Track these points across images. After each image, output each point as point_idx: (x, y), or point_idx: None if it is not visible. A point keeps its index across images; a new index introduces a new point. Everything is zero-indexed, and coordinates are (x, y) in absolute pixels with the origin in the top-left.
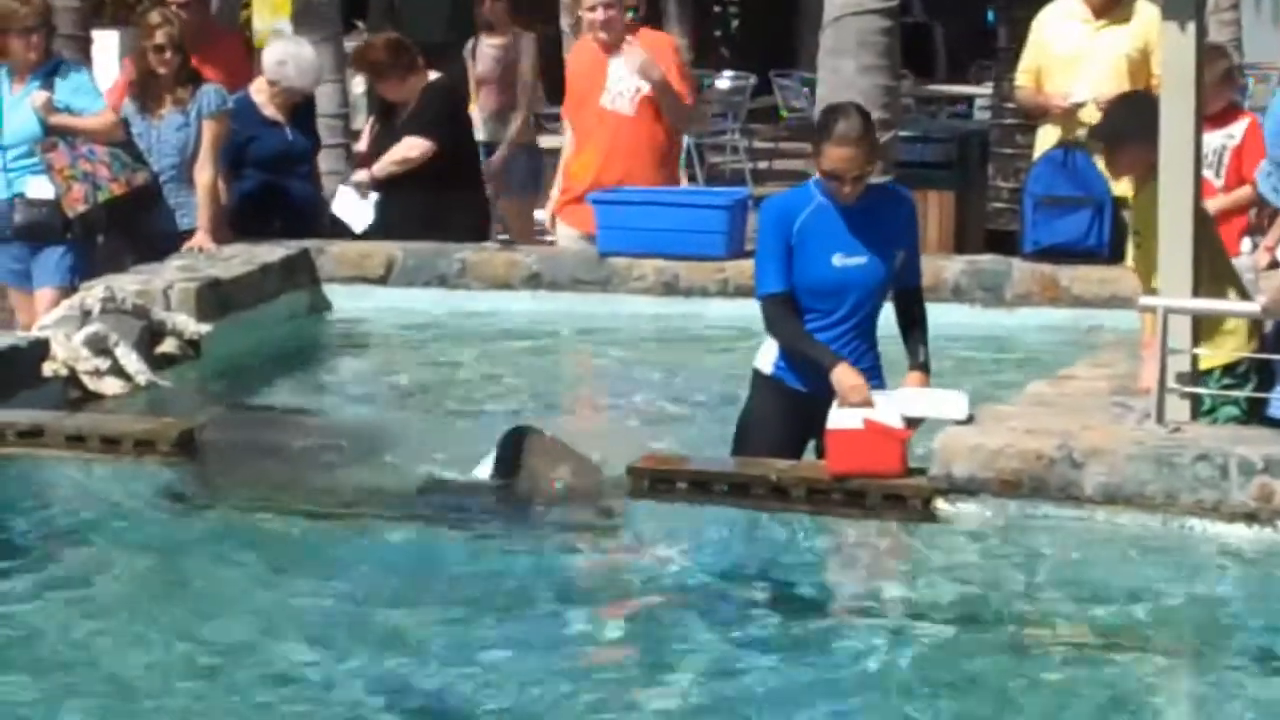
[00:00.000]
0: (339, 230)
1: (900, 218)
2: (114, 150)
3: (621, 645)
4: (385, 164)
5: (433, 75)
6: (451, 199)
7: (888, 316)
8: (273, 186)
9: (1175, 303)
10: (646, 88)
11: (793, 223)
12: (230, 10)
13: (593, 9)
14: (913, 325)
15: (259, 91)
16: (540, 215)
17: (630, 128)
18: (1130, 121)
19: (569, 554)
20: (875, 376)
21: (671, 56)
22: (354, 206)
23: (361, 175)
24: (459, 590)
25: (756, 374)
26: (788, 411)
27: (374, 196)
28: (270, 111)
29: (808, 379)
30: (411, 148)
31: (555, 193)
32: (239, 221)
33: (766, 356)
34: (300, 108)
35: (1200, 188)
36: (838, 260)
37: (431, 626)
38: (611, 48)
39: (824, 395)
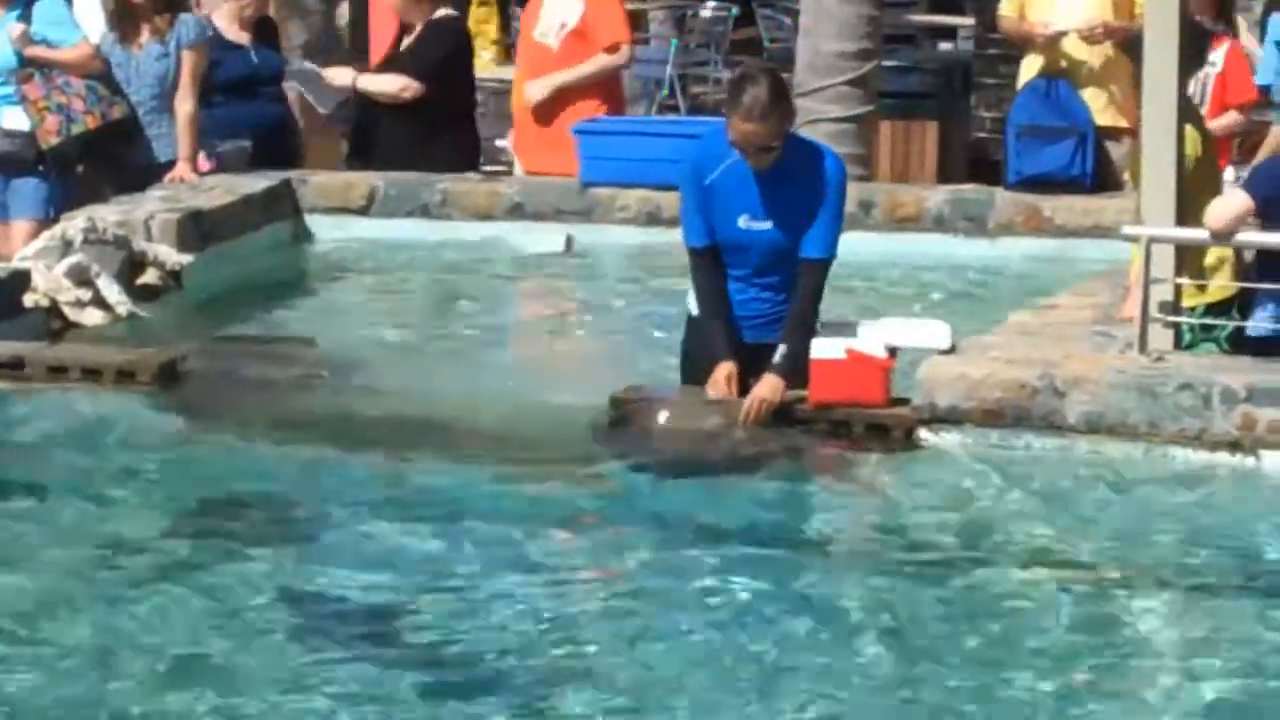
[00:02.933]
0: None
1: (820, 183)
2: (90, 83)
3: (600, 570)
4: (372, 86)
5: (443, 11)
6: (439, 136)
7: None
8: (243, 110)
9: (1158, 232)
10: (573, 23)
11: (704, 178)
12: None
13: None
14: (795, 304)
15: (220, 16)
16: (501, 144)
17: (552, 63)
18: None
19: (533, 481)
20: (771, 326)
21: None
22: (318, 89)
23: (345, 77)
24: (438, 514)
25: (689, 316)
26: (707, 351)
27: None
28: (233, 34)
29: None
30: (403, 88)
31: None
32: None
33: (691, 298)
34: (263, 27)
35: (1182, 117)
36: (743, 222)
37: (411, 550)
38: None
39: (747, 342)
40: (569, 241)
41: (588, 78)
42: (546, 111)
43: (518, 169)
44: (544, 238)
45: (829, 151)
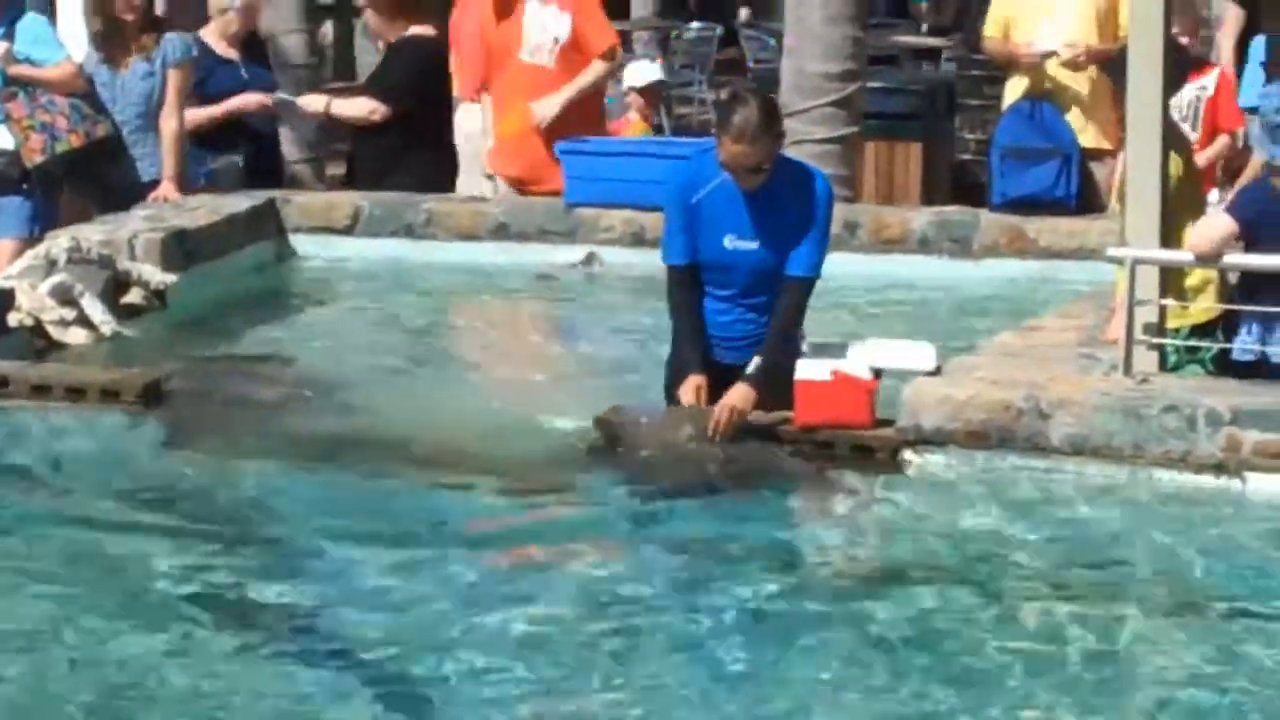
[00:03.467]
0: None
1: (808, 204)
2: (74, 101)
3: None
4: (342, 111)
5: (416, 29)
6: (412, 155)
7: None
8: (233, 123)
9: (1143, 254)
10: (565, 37)
11: (691, 197)
12: None
13: None
14: (775, 320)
15: (209, 32)
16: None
17: (553, 82)
18: None
19: (517, 500)
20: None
21: (577, 1)
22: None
23: (318, 104)
24: (422, 535)
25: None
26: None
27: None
28: (222, 49)
29: (716, 349)
30: (370, 111)
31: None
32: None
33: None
34: (252, 45)
35: (1168, 140)
36: (729, 242)
37: (395, 570)
38: None
39: (725, 362)
40: (590, 258)
41: (594, 85)
42: (550, 130)
43: (502, 188)
44: (565, 252)
45: (818, 172)
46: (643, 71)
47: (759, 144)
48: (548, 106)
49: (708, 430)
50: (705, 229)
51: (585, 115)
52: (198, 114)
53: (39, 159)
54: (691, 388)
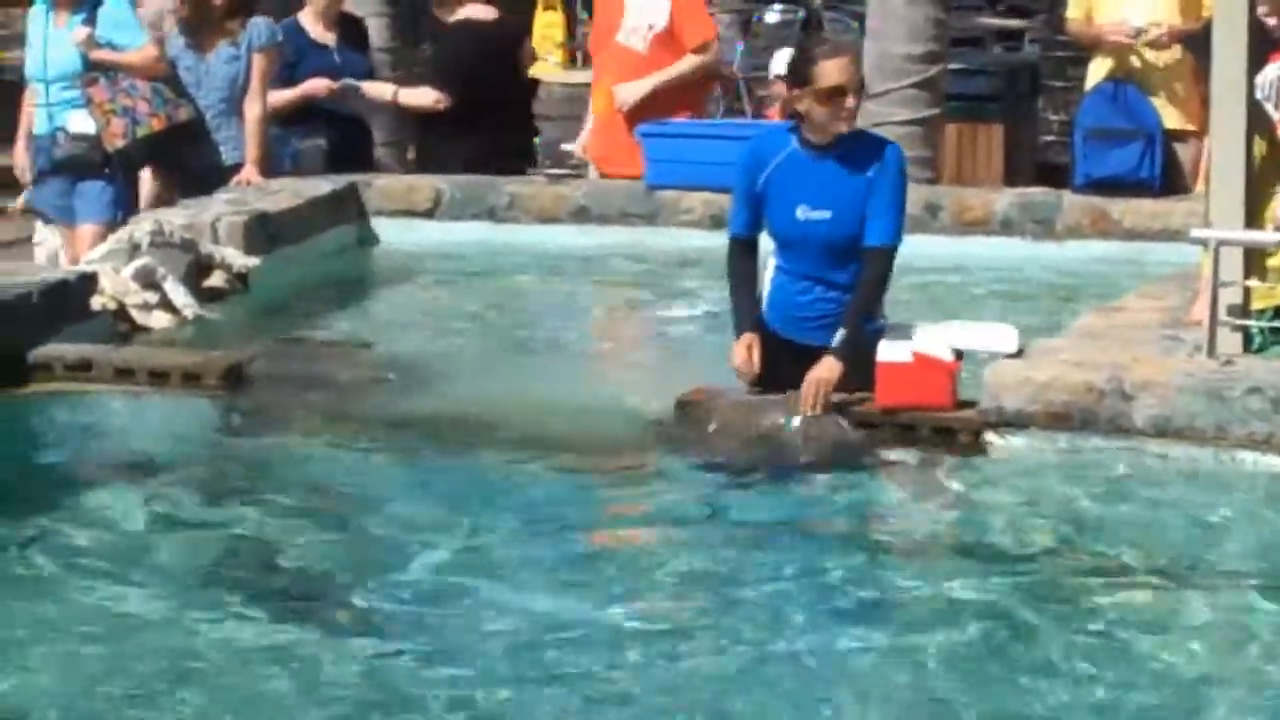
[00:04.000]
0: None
1: (880, 171)
2: (156, 85)
3: (653, 568)
4: (406, 99)
5: (470, 11)
6: (464, 142)
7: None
8: (315, 107)
9: (1227, 234)
10: (660, 25)
11: (763, 169)
12: None
13: None
14: (857, 291)
15: (305, 15)
16: (567, 148)
17: (642, 66)
18: None
19: (601, 482)
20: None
21: None
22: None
23: (385, 92)
24: (500, 520)
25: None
26: (774, 353)
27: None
28: (317, 33)
29: (790, 327)
30: (436, 100)
31: (586, 127)
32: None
33: (762, 293)
34: (350, 27)
35: (1253, 120)
36: (801, 213)
37: (480, 551)
38: None
39: (809, 343)
40: None
41: (680, 78)
42: (634, 115)
43: (592, 173)
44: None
45: (887, 141)
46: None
47: (856, 60)
48: (630, 91)
49: (797, 408)
50: (776, 201)
51: (680, 106)
52: (275, 97)
53: (120, 143)
54: (744, 346)
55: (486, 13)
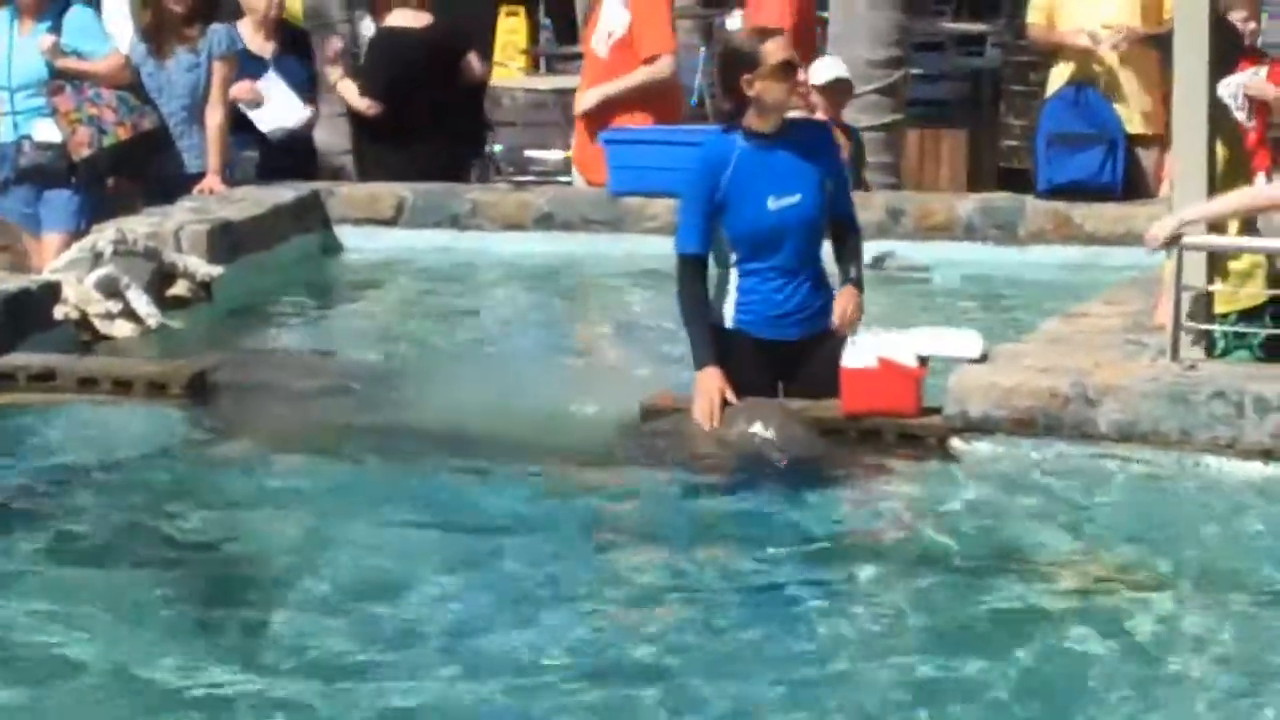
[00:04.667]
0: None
1: (824, 147)
2: (121, 94)
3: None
4: (343, 89)
5: (396, 19)
6: (386, 152)
7: None
8: (247, 119)
9: (1191, 239)
10: (619, 33)
11: (723, 172)
12: None
13: None
14: (844, 248)
15: (244, 25)
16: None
17: (600, 71)
18: None
19: (566, 489)
20: (823, 317)
21: (647, 1)
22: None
23: (333, 74)
24: (471, 524)
25: (719, 329)
26: (752, 362)
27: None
28: (256, 45)
29: (770, 327)
30: (367, 107)
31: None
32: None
33: (727, 311)
34: (292, 38)
35: (1215, 124)
36: (772, 203)
37: (446, 560)
38: None
39: (792, 340)
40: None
41: (631, 90)
42: (599, 122)
43: (577, 179)
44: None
45: (817, 120)
46: (825, 68)
47: (782, 32)
48: (586, 98)
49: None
50: (744, 199)
51: (651, 116)
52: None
53: (86, 152)
54: (709, 397)
55: (415, 19)
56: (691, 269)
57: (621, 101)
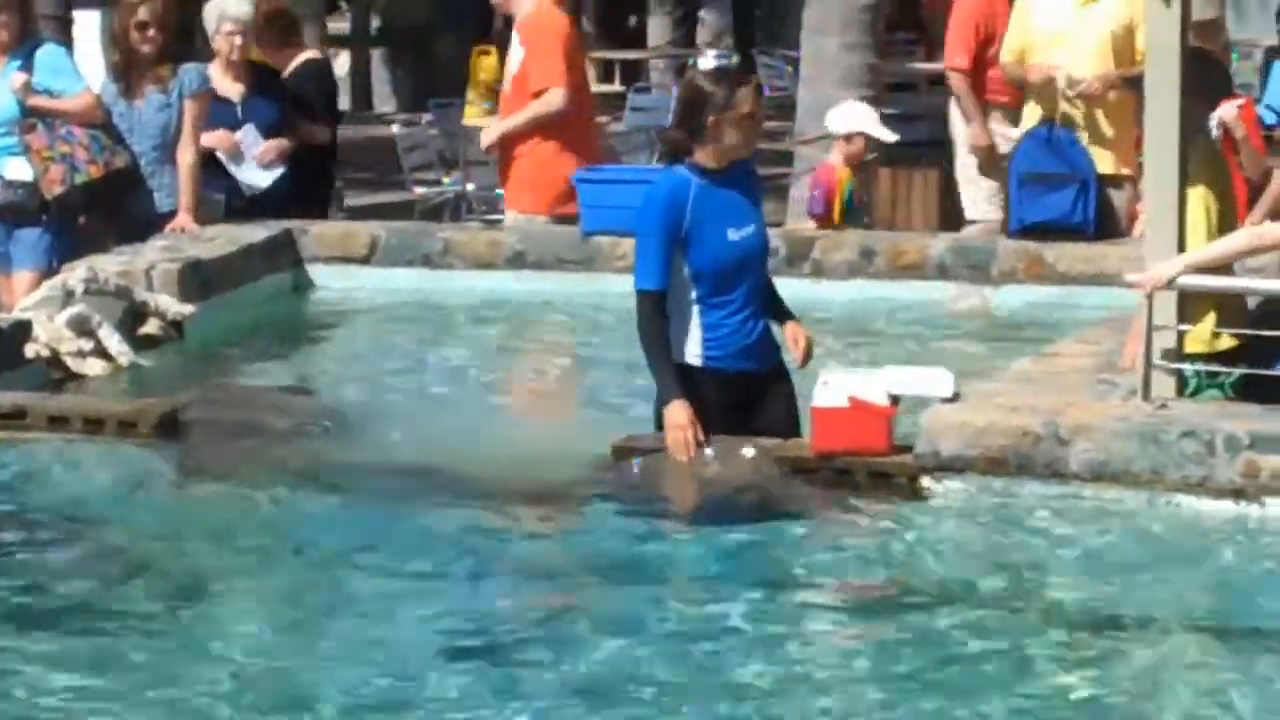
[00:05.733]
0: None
1: (758, 183)
2: (93, 132)
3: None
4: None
5: (309, 54)
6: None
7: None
8: (217, 164)
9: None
10: (514, 69)
11: (684, 207)
12: None
13: None
14: (774, 293)
15: (214, 67)
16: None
17: (505, 107)
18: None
19: (536, 529)
20: (772, 346)
21: (537, 39)
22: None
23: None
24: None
25: (683, 368)
26: (723, 398)
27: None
28: (223, 87)
29: (738, 359)
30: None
31: None
32: None
33: (691, 349)
34: (263, 78)
35: (1185, 164)
36: (732, 234)
37: (414, 598)
38: (511, 27)
39: (759, 371)
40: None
41: (526, 124)
42: (508, 156)
43: (507, 215)
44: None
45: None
46: (847, 116)
47: (756, 81)
48: (487, 134)
49: (735, 467)
50: (706, 233)
51: (557, 148)
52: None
53: (59, 190)
54: (682, 428)
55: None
56: (652, 304)
57: (523, 135)
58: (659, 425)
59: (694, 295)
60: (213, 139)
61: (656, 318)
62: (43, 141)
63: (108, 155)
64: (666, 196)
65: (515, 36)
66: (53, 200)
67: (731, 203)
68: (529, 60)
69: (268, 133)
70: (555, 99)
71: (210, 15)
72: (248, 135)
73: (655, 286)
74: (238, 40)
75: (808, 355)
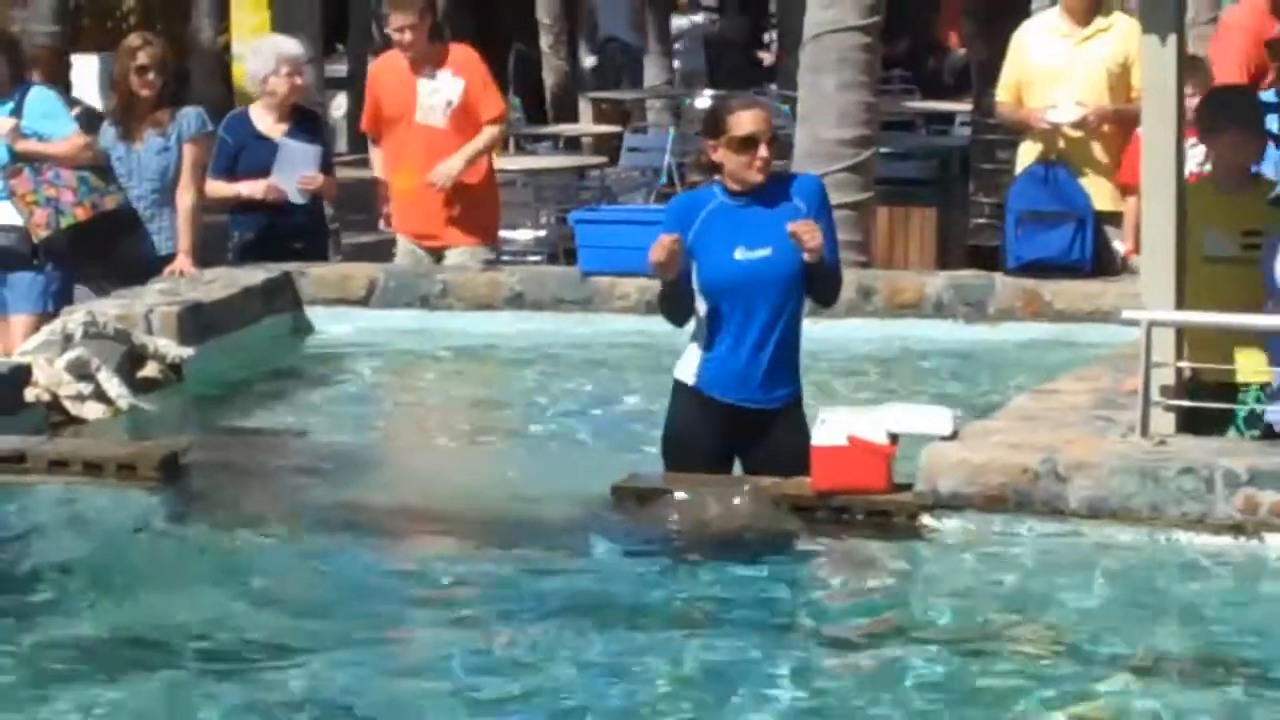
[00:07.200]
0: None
1: (807, 198)
2: (82, 174)
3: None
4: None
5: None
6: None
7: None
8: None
9: (1159, 315)
10: (457, 100)
11: (692, 221)
12: (211, 34)
13: (400, 30)
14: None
15: (255, 107)
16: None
17: (444, 140)
18: (1226, 110)
19: (536, 570)
20: (793, 381)
21: (477, 69)
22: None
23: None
24: (435, 609)
25: (678, 384)
26: (711, 423)
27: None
28: (265, 125)
29: (736, 389)
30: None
31: (388, 209)
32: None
33: (688, 366)
34: (303, 122)
35: (1184, 200)
36: (740, 254)
37: (417, 640)
38: (419, 66)
39: (747, 406)
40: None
41: (485, 150)
42: (461, 188)
43: (402, 244)
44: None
45: (806, 175)
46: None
47: (766, 109)
48: (449, 168)
49: (739, 506)
50: (710, 250)
51: (476, 174)
52: (213, 187)
53: (44, 233)
54: (666, 241)
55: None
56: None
57: (477, 165)
58: (666, 454)
59: (702, 312)
60: (256, 189)
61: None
62: (27, 186)
63: (96, 197)
64: (678, 206)
65: (430, 73)
66: (39, 243)
67: (751, 223)
68: (475, 90)
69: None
70: (505, 124)
71: (263, 57)
72: (293, 154)
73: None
74: (297, 80)
75: (812, 247)
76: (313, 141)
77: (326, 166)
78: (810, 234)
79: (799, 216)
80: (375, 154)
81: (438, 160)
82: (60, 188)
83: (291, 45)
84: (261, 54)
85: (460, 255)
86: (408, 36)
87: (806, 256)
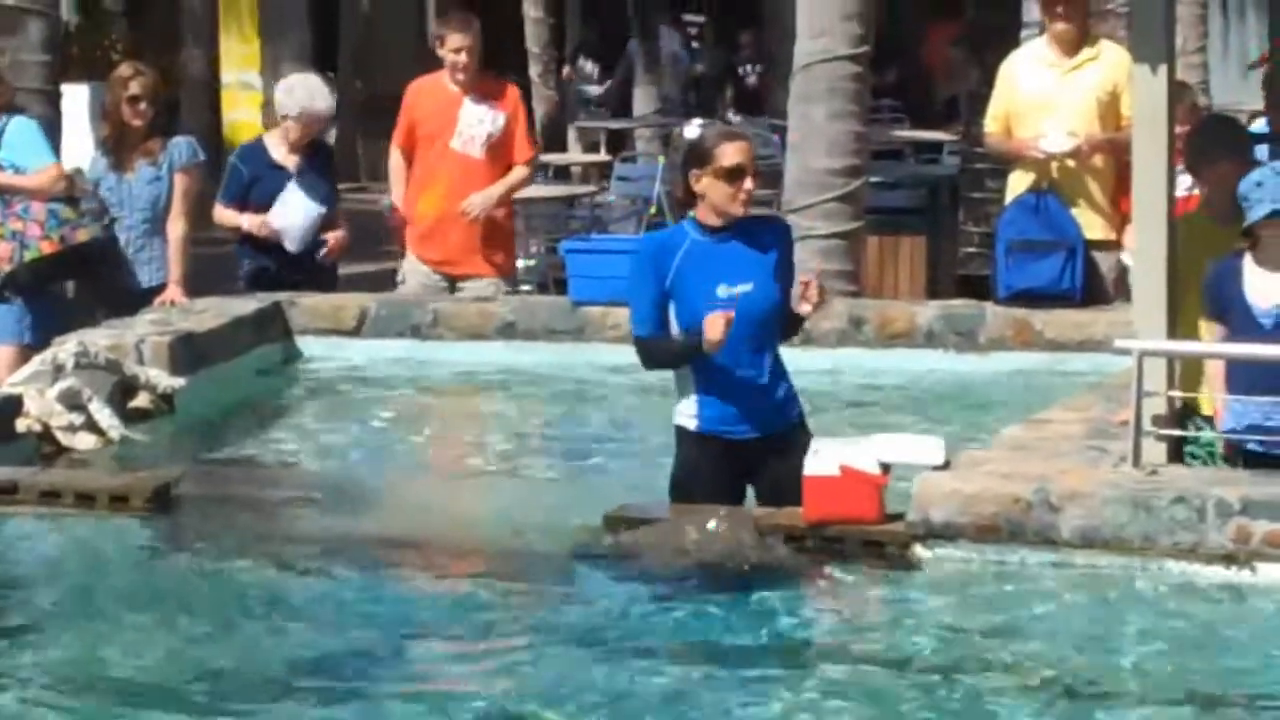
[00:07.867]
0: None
1: (781, 243)
2: (53, 207)
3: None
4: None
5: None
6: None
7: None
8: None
9: (1151, 345)
10: (498, 133)
11: (670, 261)
12: (201, 64)
13: (457, 51)
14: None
15: (269, 136)
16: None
17: (478, 170)
18: (1221, 142)
19: (528, 601)
20: (789, 407)
21: (520, 107)
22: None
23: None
24: (427, 640)
25: (681, 431)
26: (720, 462)
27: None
28: (279, 155)
29: (737, 424)
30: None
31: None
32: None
33: (687, 411)
34: (316, 154)
35: (1174, 229)
36: (723, 290)
37: (399, 674)
38: (467, 90)
39: (755, 438)
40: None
41: (518, 189)
42: (486, 221)
43: (411, 263)
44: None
45: (774, 217)
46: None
47: (751, 146)
48: (487, 198)
49: (729, 536)
50: (691, 289)
51: (502, 208)
52: (220, 214)
53: (7, 267)
54: (721, 322)
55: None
56: (645, 340)
57: (503, 201)
58: (673, 489)
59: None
60: (254, 224)
61: (650, 345)
62: None
63: (65, 230)
64: (650, 249)
65: (475, 101)
66: (4, 277)
67: (730, 259)
68: (516, 128)
69: (319, 202)
70: (535, 166)
71: (293, 100)
72: (299, 203)
73: (644, 332)
74: (315, 130)
75: (820, 300)
76: (323, 175)
77: (332, 204)
78: (816, 290)
79: (774, 253)
80: (394, 173)
81: (469, 189)
82: (28, 221)
83: (322, 101)
84: (293, 95)
85: (479, 286)
86: (464, 59)
87: (805, 309)
